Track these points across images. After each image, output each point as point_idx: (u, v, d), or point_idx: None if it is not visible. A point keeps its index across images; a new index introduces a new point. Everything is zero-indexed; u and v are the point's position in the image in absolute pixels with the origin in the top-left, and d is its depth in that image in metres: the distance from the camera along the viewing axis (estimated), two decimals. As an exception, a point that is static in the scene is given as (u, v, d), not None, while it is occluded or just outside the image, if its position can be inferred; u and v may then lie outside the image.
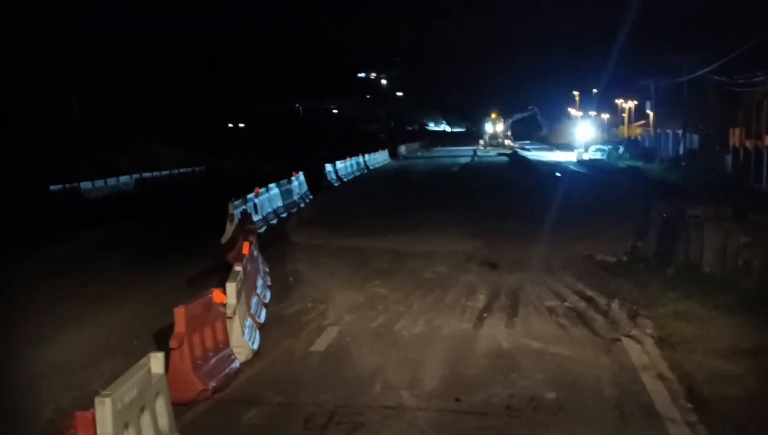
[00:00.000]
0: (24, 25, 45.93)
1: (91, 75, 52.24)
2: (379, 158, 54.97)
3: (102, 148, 47.90)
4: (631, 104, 75.58)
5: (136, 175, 41.59)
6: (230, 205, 17.70)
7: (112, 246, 18.91)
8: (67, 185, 33.54)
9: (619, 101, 78.93)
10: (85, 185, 34.93)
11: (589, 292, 12.38)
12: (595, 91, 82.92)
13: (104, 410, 4.93)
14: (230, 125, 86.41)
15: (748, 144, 37.29)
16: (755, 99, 38.77)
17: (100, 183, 36.37)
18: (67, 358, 9.55)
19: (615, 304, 11.56)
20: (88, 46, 52.30)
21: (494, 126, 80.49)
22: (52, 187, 32.32)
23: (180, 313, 7.76)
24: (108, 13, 56.72)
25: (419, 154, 73.55)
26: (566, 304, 11.76)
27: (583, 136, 66.92)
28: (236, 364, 8.69)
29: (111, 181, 37.80)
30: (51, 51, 47.64)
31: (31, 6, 47.85)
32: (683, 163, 42.70)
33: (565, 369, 8.70)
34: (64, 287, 13.75)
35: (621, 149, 55.51)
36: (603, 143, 63.03)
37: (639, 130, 70.60)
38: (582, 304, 11.67)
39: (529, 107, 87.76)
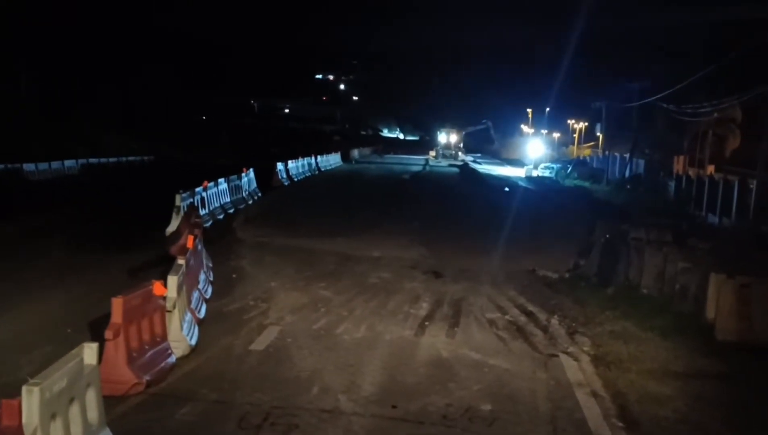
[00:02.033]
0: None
1: (44, 54, 50.88)
2: (331, 160, 54.87)
3: (50, 131, 46.57)
4: (582, 125, 77.04)
5: (82, 160, 40.61)
6: (177, 197, 17.42)
7: (52, 231, 18.41)
8: (9, 165, 32.57)
9: (570, 121, 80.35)
10: (28, 167, 34.01)
11: (531, 307, 12.54)
12: (548, 109, 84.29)
13: (31, 399, 4.79)
14: (185, 116, 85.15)
15: (691, 172, 38.33)
16: (701, 129, 39.89)
17: (44, 165, 35.44)
18: (-3, 343, 9.27)
19: (555, 320, 11.73)
20: (42, 24, 50.92)
21: (448, 137, 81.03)
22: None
23: (117, 304, 7.60)
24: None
25: (372, 159, 73.61)
26: (507, 317, 11.88)
27: (533, 153, 67.94)
28: (172, 359, 8.55)
29: (55, 164, 36.85)
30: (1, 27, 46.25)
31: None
32: (628, 186, 43.67)
33: (502, 381, 8.78)
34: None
35: (569, 169, 56.46)
36: (553, 161, 64.04)
37: (588, 151, 71.96)
38: (523, 318, 11.81)
39: (483, 121, 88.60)
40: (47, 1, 51.37)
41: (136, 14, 67.21)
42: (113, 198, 27.00)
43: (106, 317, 7.71)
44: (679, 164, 43.19)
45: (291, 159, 40.05)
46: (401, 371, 8.97)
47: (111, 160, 45.83)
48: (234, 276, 13.94)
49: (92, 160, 42.34)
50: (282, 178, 35.94)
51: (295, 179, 38.34)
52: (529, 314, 12.09)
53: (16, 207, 22.25)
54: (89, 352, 5.85)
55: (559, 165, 59.22)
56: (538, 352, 10.05)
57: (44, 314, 10.74)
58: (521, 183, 48.30)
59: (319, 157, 49.18)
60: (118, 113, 60.30)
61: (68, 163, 38.52)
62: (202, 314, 10.56)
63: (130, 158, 49.24)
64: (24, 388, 4.80)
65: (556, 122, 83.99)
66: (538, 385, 8.74)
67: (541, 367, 9.39)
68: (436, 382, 8.64)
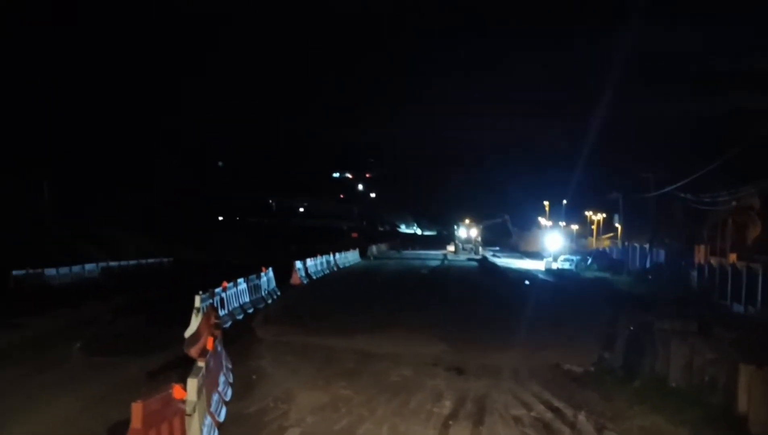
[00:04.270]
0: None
1: (64, 161, 52.48)
2: (349, 257, 55.01)
3: (69, 235, 47.28)
4: (600, 216, 77.22)
5: (102, 264, 40.93)
6: (197, 298, 17.44)
7: (72, 333, 18.42)
8: (31, 271, 32.90)
9: (588, 213, 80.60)
10: (49, 272, 34.30)
11: (556, 403, 12.25)
12: (564, 202, 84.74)
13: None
14: (203, 216, 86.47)
15: (713, 261, 37.96)
16: (720, 217, 39.75)
17: (64, 270, 35.71)
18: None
19: (582, 416, 11.43)
20: (62, 130, 52.68)
21: (467, 231, 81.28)
22: (15, 273, 31.67)
23: (137, 409, 7.50)
24: (83, 96, 57.49)
25: (389, 255, 73.77)
26: (533, 413, 11.60)
27: (552, 246, 67.74)
28: (192, 464, 8.36)
29: (76, 268, 37.15)
30: (25, 135, 47.85)
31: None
32: (650, 277, 43.22)
33: (530, 482, 8.50)
34: (18, 374, 13.30)
35: (589, 260, 56.16)
36: (572, 253, 63.78)
37: (607, 242, 71.78)
38: (549, 415, 11.53)
39: (500, 215, 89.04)
40: (65, 106, 53.23)
41: (148, 115, 69.39)
42: (132, 301, 27.05)
43: (126, 422, 7.60)
44: (700, 253, 42.85)
45: (309, 257, 40.19)
46: (426, 473, 8.72)
47: (131, 262, 46.16)
48: (254, 377, 13.79)
49: (112, 264, 42.65)
50: (301, 276, 35.98)
51: (314, 277, 38.36)
52: (555, 410, 11.81)
53: (37, 311, 22.37)
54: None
55: (578, 257, 58.91)
56: (567, 450, 9.76)
57: (63, 418, 10.63)
58: (541, 275, 48.03)
59: (337, 255, 49.34)
60: (137, 215, 61.18)
61: (88, 266, 38.80)
62: (221, 417, 10.40)
63: (150, 260, 49.58)
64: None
65: (573, 214, 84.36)
66: (568, 484, 8.45)
67: (570, 466, 9.10)
68: (462, 483, 8.37)
